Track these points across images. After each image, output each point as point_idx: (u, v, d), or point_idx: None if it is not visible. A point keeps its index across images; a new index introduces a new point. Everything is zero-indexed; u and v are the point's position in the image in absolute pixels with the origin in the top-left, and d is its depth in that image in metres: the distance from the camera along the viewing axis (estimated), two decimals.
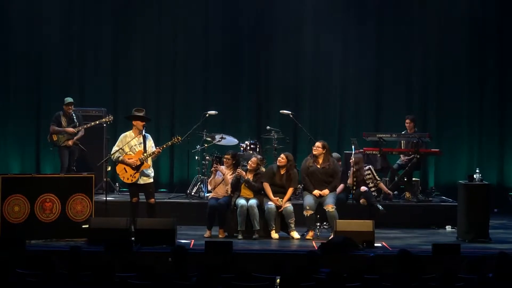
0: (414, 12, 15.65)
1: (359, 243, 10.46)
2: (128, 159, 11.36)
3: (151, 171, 11.52)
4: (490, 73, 15.60)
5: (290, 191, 11.74)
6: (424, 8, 15.62)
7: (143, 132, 11.52)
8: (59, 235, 10.98)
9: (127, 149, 11.43)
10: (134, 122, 11.51)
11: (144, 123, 11.51)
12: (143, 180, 11.43)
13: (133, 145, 11.45)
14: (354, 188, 12.26)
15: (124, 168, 11.41)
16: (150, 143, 11.53)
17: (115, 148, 11.47)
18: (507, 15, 15.53)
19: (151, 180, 11.53)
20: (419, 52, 15.66)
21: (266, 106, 15.66)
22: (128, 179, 11.42)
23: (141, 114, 11.53)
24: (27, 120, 15.47)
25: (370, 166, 12.78)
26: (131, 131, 11.54)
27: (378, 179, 12.76)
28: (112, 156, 11.47)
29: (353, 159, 12.38)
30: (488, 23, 15.57)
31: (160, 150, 11.56)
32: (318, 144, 11.91)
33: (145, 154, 11.39)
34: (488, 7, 15.58)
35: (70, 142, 13.23)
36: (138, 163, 11.36)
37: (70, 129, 13.22)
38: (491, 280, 7.52)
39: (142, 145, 11.44)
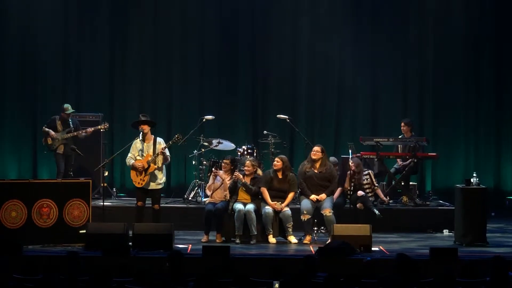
0: (411, 16, 15.64)
1: (356, 248, 10.45)
2: (138, 163, 11.46)
3: (161, 177, 11.58)
4: (486, 77, 15.59)
5: (291, 195, 11.72)
6: (421, 12, 15.62)
7: (142, 135, 11.54)
8: (56, 240, 10.95)
9: (137, 154, 11.56)
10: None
11: (141, 126, 11.56)
12: (151, 186, 11.52)
13: (141, 149, 11.56)
14: (350, 192, 12.24)
15: (135, 173, 11.53)
16: (160, 147, 11.58)
17: (128, 155, 11.66)
18: (504, 18, 15.53)
19: (160, 186, 11.66)
20: (416, 56, 15.64)
21: (263, 110, 15.64)
22: (138, 183, 11.54)
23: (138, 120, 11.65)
24: (24, 125, 15.42)
25: (370, 172, 12.66)
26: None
27: (376, 185, 12.68)
28: (127, 163, 11.69)
29: (353, 163, 12.33)
30: (485, 26, 15.57)
31: (163, 150, 11.57)
32: (317, 148, 11.90)
33: (152, 157, 11.44)
34: (486, 9, 15.58)
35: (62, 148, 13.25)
36: (146, 166, 11.42)
37: (49, 139, 13.22)
38: (488, 283, 7.53)
39: (152, 149, 11.51)
